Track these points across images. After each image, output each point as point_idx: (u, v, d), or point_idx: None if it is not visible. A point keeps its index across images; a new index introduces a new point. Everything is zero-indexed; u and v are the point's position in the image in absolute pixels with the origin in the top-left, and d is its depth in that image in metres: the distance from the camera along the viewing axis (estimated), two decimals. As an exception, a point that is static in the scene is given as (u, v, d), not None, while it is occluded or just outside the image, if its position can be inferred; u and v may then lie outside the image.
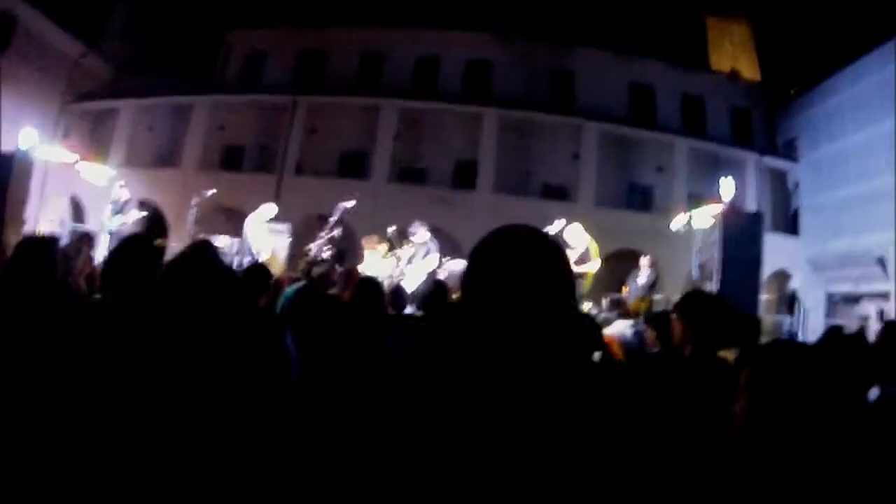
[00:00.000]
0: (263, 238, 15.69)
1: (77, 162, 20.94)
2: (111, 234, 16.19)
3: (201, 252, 3.05)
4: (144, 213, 17.55)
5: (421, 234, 14.97)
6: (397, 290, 8.63)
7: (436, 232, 15.85)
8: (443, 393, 1.68)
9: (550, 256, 1.74)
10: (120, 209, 16.73)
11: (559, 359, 1.73)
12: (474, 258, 1.79)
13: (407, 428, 1.65)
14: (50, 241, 4.16)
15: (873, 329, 10.89)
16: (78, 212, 30.25)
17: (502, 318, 1.68)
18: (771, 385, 2.41)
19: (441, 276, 15.43)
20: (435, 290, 6.74)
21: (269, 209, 15.88)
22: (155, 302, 2.72)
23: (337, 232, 16.52)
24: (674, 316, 4.39)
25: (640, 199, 33.00)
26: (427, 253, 14.81)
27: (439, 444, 1.61)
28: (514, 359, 1.68)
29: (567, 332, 1.74)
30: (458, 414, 1.64)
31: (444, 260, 15.41)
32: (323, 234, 16.36)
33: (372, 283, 5.55)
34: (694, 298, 4.56)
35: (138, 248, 3.44)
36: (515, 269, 1.69)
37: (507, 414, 1.63)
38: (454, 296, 6.99)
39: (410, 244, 15.26)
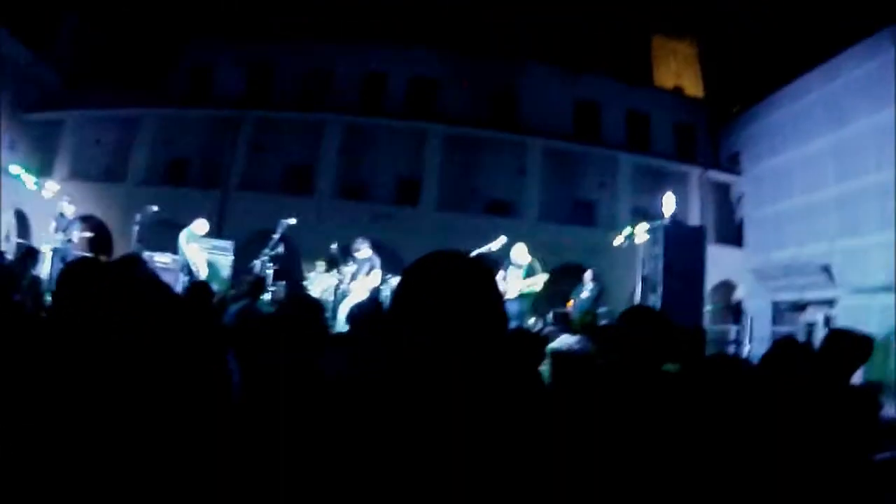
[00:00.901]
0: (198, 254, 15.52)
1: (22, 174, 20.65)
2: (55, 250, 15.93)
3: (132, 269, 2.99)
4: (90, 234, 17.24)
5: (364, 250, 14.93)
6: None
7: (379, 248, 15.80)
8: (374, 415, 1.68)
9: (479, 283, 1.72)
10: (66, 226, 16.45)
11: (494, 376, 1.71)
12: (404, 285, 1.77)
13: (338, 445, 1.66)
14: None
15: (820, 336, 11.09)
16: (23, 226, 29.52)
17: (431, 340, 1.65)
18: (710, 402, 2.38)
19: (385, 292, 15.40)
20: (367, 307, 6.58)
21: (202, 225, 15.72)
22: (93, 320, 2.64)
23: (280, 249, 16.38)
24: (617, 330, 4.38)
25: (584, 214, 33.13)
26: (370, 269, 14.75)
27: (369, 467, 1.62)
28: (444, 380, 1.65)
29: (505, 350, 1.73)
30: (387, 439, 1.63)
31: (387, 276, 15.37)
32: (266, 251, 16.22)
33: (309, 301, 5.43)
34: (635, 313, 4.56)
35: (86, 271, 3.32)
36: (443, 297, 1.67)
37: (443, 431, 1.61)
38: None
39: (353, 261, 15.21)
